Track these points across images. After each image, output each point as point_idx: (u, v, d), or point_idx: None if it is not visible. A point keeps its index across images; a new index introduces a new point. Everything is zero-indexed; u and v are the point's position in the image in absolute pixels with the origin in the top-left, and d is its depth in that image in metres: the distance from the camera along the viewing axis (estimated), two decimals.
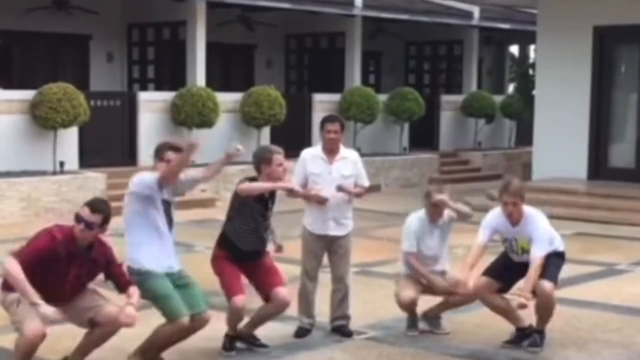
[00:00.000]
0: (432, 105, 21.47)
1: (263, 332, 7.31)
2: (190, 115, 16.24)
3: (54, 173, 14.58)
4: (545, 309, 7.29)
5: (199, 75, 17.40)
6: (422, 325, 7.80)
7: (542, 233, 7.26)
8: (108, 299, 6.36)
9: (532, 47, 24.54)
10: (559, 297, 7.52)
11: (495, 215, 7.44)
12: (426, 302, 7.78)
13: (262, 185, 7.03)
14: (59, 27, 17.93)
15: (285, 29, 21.52)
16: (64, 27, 18.02)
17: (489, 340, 7.55)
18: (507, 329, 7.52)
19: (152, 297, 6.46)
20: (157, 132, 16.28)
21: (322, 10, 19.44)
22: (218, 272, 7.13)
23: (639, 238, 13.13)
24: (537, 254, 7.16)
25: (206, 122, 16.34)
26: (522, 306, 7.14)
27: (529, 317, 7.46)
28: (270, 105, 17.23)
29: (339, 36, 20.97)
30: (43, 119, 14.39)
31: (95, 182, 14.70)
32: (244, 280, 7.17)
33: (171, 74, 18.82)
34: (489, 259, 7.61)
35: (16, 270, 5.81)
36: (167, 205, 6.63)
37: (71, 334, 6.55)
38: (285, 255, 7.65)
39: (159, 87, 18.80)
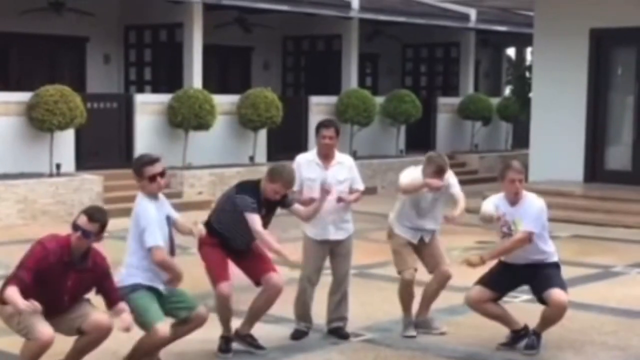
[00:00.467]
0: (428, 107, 21.48)
1: (259, 334, 7.30)
2: (187, 118, 16.23)
3: (51, 175, 14.58)
4: (555, 320, 7.28)
5: (195, 77, 17.40)
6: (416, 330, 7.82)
7: (536, 212, 7.32)
8: (95, 307, 6.32)
9: (528, 50, 24.49)
10: None
11: (494, 197, 7.59)
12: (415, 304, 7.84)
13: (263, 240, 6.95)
14: (56, 29, 17.91)
15: (282, 31, 21.52)
16: (60, 29, 17.99)
17: (485, 342, 7.56)
18: (503, 331, 7.52)
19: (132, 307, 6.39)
20: (153, 135, 16.31)
21: (319, 12, 19.42)
22: (204, 259, 7.08)
23: (635, 240, 13.14)
24: (525, 228, 7.21)
25: (203, 124, 16.34)
26: (470, 264, 7.21)
27: (530, 320, 7.46)
28: (267, 107, 17.23)
29: (336, 38, 20.98)
30: (40, 121, 14.38)
31: (92, 184, 14.69)
32: (233, 268, 7.09)
33: (168, 76, 18.79)
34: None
35: (9, 294, 5.86)
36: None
37: (63, 338, 6.50)
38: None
39: (155, 89, 18.79)
